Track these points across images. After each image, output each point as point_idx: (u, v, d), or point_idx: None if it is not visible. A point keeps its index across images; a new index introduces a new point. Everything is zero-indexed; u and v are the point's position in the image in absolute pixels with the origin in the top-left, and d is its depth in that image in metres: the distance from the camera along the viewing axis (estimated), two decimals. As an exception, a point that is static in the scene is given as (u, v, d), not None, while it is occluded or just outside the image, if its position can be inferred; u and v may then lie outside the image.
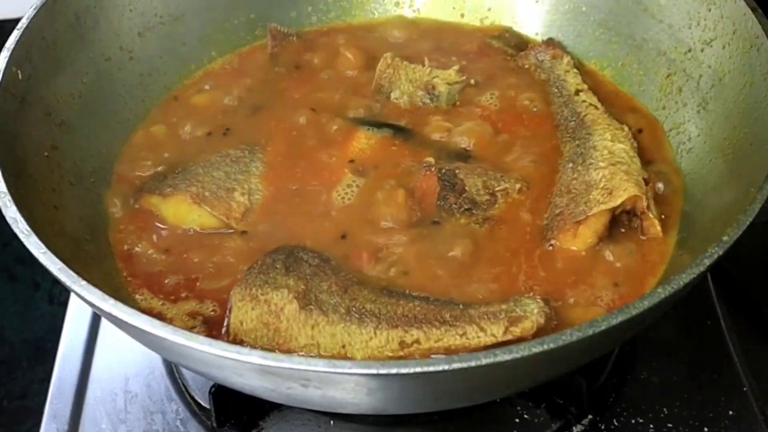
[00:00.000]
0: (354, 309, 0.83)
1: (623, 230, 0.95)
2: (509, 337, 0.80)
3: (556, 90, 1.11)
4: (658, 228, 0.93)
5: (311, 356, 0.81)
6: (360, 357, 0.81)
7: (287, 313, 0.83)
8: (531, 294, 0.87)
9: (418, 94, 1.12)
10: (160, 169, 1.04)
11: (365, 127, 1.07)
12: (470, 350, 0.79)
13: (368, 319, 0.82)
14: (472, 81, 1.14)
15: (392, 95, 1.12)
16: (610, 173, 0.94)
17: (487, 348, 0.78)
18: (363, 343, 0.81)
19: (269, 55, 1.21)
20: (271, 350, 0.82)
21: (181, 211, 0.97)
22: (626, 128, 1.02)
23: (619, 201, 0.91)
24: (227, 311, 0.86)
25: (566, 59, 1.15)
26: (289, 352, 0.82)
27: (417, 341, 0.81)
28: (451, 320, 0.82)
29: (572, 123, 1.05)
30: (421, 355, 0.81)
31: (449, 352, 0.80)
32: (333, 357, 0.81)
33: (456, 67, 1.13)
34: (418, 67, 1.13)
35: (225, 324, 0.87)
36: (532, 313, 0.82)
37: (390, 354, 0.81)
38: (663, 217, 0.95)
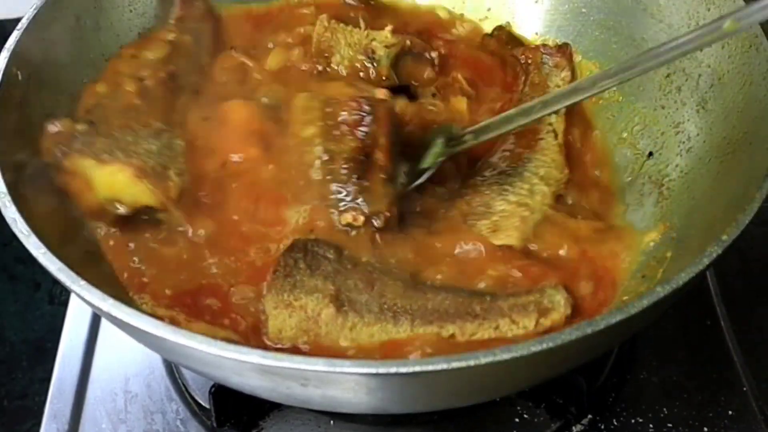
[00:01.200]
0: (386, 306, 0.83)
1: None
2: (540, 329, 0.81)
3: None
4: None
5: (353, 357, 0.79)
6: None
7: (324, 317, 0.82)
8: (554, 284, 0.86)
9: (358, 58, 1.08)
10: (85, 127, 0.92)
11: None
12: (507, 343, 0.77)
13: (402, 317, 0.82)
14: (408, 42, 1.10)
15: (333, 60, 1.08)
16: (509, 212, 0.93)
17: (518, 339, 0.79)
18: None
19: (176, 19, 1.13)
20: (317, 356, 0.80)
21: (117, 183, 0.88)
22: (566, 172, 1.00)
23: (497, 243, 0.90)
24: (263, 319, 0.84)
25: (563, 74, 1.13)
26: (336, 356, 0.80)
27: (453, 336, 0.81)
28: (483, 313, 0.82)
29: (529, 135, 1.03)
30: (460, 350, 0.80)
31: (486, 345, 0.78)
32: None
33: (389, 28, 1.10)
34: (355, 29, 1.10)
35: (263, 332, 0.84)
36: (560, 304, 0.83)
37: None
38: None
